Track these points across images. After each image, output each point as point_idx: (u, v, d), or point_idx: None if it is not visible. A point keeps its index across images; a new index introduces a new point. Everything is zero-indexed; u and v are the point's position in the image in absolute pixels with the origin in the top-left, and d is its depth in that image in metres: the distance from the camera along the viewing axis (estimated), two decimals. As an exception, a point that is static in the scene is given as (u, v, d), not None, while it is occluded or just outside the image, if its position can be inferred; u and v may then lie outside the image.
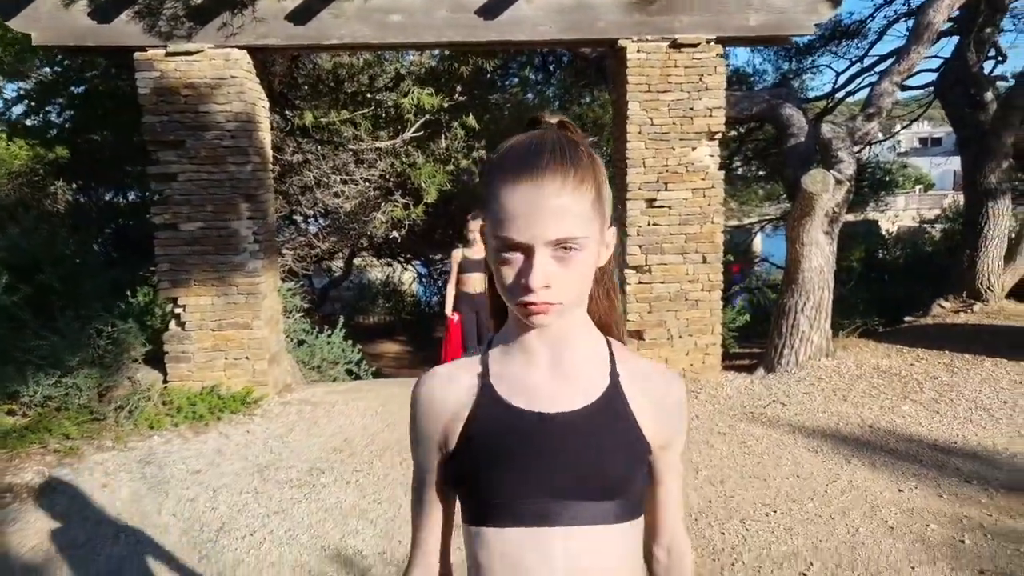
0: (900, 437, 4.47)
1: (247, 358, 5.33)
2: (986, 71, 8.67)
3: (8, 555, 3.33)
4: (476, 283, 6.55)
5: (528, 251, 0.95)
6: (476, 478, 1.04)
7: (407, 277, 14.37)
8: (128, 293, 5.49)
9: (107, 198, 7.90)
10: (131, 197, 8.00)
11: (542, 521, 1.01)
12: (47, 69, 7.17)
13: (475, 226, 6.61)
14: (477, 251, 6.60)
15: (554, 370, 1.05)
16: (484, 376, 1.07)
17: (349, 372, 6.58)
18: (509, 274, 0.97)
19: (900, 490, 3.75)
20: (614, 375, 1.07)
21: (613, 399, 1.05)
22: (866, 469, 4.02)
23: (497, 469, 1.02)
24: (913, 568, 3.04)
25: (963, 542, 3.23)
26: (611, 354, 1.09)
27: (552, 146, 0.98)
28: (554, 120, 1.05)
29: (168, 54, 5.11)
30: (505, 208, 0.96)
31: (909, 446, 4.32)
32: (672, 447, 1.11)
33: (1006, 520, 3.40)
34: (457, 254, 6.62)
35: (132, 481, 4.07)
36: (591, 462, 1.02)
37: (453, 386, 1.08)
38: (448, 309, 6.66)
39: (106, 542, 3.42)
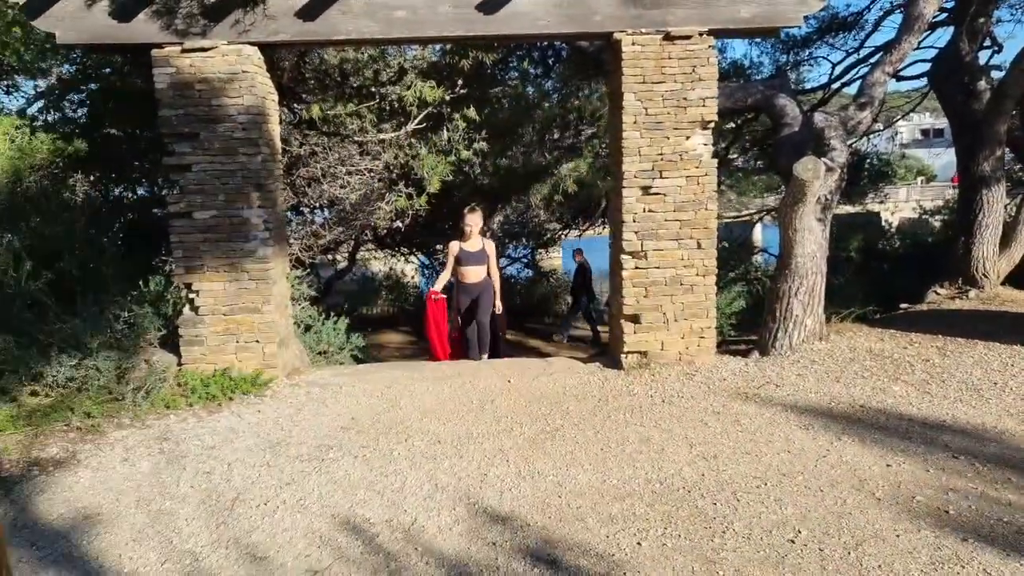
0: (890, 416, 4.59)
1: (257, 341, 5.52)
2: (983, 61, 8.77)
3: (37, 523, 3.52)
4: (472, 275, 6.81)
5: None
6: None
7: (409, 269, 14.55)
8: (141, 281, 5.68)
9: (117, 192, 8.09)
10: (140, 192, 8.18)
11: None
12: (67, 67, 7.36)
13: (472, 219, 6.79)
14: (473, 243, 6.81)
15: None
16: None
17: (354, 358, 6.76)
18: None
19: (888, 465, 3.87)
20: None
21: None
22: (856, 445, 4.15)
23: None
24: (898, 536, 3.15)
25: (948, 512, 3.34)
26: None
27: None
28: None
29: (184, 51, 5.30)
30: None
31: (899, 424, 4.44)
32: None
33: (991, 492, 3.51)
34: (454, 247, 6.85)
35: (151, 456, 4.26)
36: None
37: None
38: (437, 285, 7.03)
39: (129, 510, 3.61)
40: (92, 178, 7.26)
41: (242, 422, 4.80)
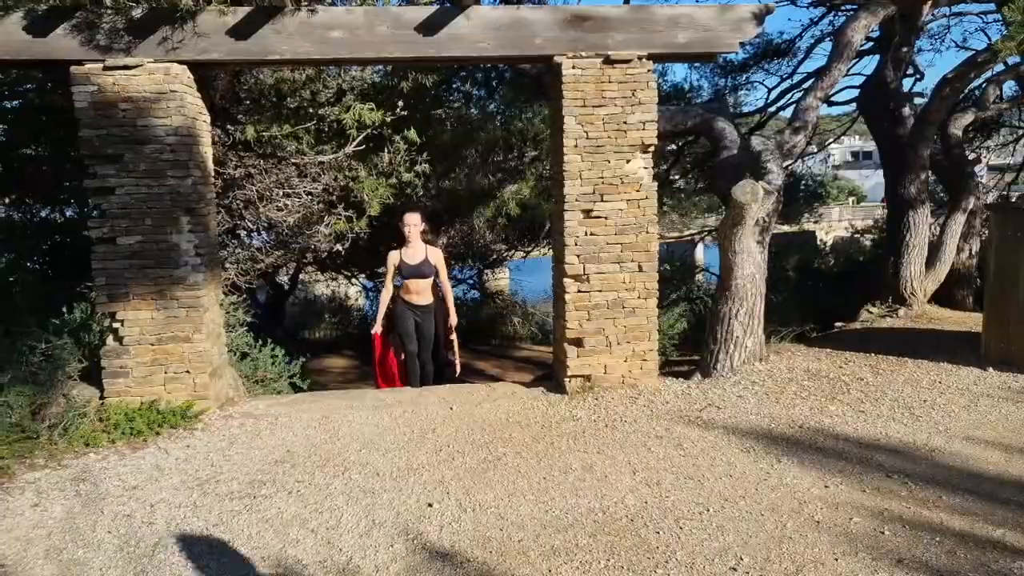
0: (828, 436, 4.68)
1: (188, 372, 5.28)
2: (906, 88, 9.16)
3: (-66, 577, 3.25)
4: (415, 291, 6.15)
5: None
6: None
7: (353, 292, 14.32)
8: (64, 309, 5.39)
9: (43, 214, 7.72)
10: (68, 213, 7.83)
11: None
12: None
13: (410, 219, 6.14)
14: (416, 252, 6.12)
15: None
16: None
17: (293, 386, 6.55)
18: None
19: (826, 486, 3.93)
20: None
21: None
22: (795, 467, 4.20)
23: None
24: (836, 559, 3.19)
25: (883, 533, 3.41)
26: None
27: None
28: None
29: (106, 68, 5.06)
30: None
31: (836, 444, 4.53)
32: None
33: (924, 512, 3.61)
34: (394, 256, 6.18)
35: (65, 499, 3.99)
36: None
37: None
38: (377, 324, 6.35)
39: (36, 561, 3.36)
40: (8, 201, 6.89)
41: (169, 458, 4.56)
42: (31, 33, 4.97)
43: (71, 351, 5.10)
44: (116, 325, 5.20)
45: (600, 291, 5.62)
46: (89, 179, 5.16)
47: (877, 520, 3.54)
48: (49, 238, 7.30)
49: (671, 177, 11.48)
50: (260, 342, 6.53)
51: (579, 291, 5.62)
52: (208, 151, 5.67)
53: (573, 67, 5.43)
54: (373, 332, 6.42)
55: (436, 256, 6.25)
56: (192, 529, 3.63)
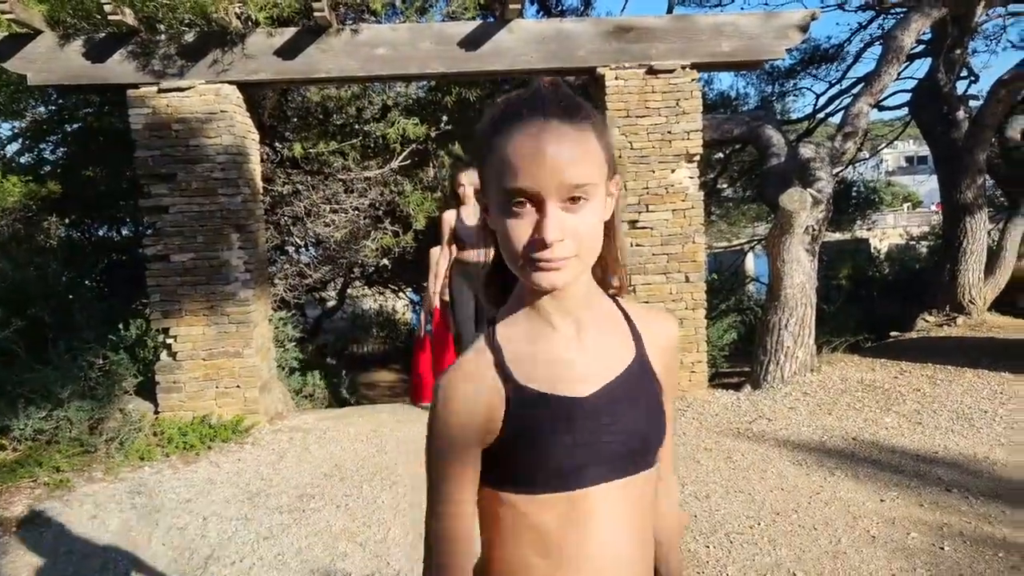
0: (883, 448, 4.53)
1: (238, 387, 5.39)
2: (960, 91, 8.88)
3: (-1, 586, 3.36)
4: (475, 258, 5.17)
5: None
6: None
7: (400, 306, 14.44)
8: (120, 325, 5.56)
9: (100, 233, 8.00)
10: (124, 232, 8.09)
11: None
12: (42, 108, 7.30)
13: (468, 179, 5.15)
14: (472, 213, 5.13)
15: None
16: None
17: (341, 400, 6.62)
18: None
19: (882, 500, 3.81)
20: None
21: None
22: (849, 481, 4.07)
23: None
24: (894, 575, 3.08)
25: (943, 549, 3.28)
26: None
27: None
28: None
29: (160, 91, 5.24)
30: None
31: (892, 457, 4.38)
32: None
33: (985, 527, 3.46)
34: (449, 216, 5.26)
35: (122, 512, 4.09)
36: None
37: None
38: (434, 292, 5.42)
39: (93, 573, 3.45)
40: (68, 220, 7.15)
41: (220, 472, 4.65)
42: (90, 59, 5.18)
43: (127, 367, 5.24)
44: (170, 341, 5.34)
45: (647, 302, 5.55)
46: (144, 198, 5.33)
47: (936, 535, 3.41)
48: (106, 256, 7.54)
49: (718, 186, 11.32)
50: (310, 356, 6.63)
51: (624, 302, 5.56)
52: (257, 169, 5.81)
53: (616, 78, 5.41)
54: (435, 305, 5.57)
55: None
56: (243, 542, 3.69)
